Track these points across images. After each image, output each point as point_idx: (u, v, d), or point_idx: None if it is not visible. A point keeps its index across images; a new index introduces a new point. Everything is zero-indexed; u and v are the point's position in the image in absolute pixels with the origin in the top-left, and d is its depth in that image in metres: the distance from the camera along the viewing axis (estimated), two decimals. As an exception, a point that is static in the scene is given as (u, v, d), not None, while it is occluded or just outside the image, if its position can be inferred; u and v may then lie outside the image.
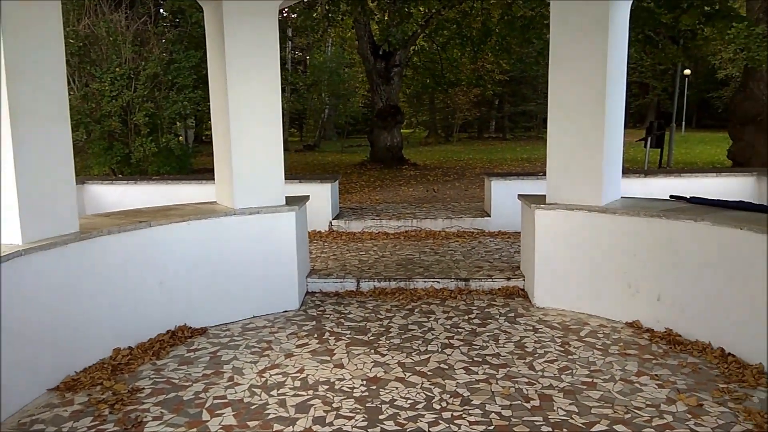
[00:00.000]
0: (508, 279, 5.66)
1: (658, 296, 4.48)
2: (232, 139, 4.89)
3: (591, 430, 3.09)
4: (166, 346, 4.28)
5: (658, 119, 13.83)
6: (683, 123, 34.44)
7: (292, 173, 14.30)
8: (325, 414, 3.29)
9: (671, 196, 5.43)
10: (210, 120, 5.24)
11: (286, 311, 5.11)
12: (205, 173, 10.21)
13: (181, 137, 16.72)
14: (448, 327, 4.65)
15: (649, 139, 13.28)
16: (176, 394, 3.56)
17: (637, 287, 4.62)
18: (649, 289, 4.54)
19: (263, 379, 3.75)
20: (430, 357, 4.07)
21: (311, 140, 30.99)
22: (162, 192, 8.26)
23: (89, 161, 11.69)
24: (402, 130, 20.40)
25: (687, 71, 27.03)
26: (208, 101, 5.28)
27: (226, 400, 3.48)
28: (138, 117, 11.15)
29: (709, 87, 35.22)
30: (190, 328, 4.59)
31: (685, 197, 5.15)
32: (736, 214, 4.23)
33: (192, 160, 14.44)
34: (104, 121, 11.03)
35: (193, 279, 4.64)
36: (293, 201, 5.29)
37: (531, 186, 7.36)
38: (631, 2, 5.03)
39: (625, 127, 5.44)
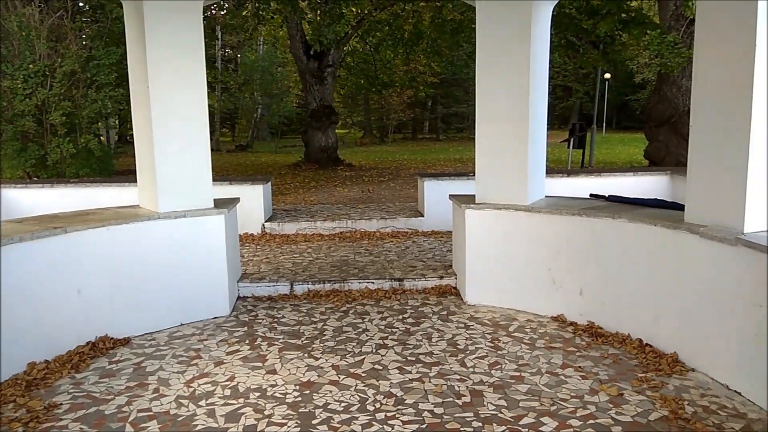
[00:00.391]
0: (441, 278, 5.74)
1: (580, 291, 4.67)
2: (155, 139, 4.70)
3: (519, 423, 3.18)
4: (86, 358, 4.06)
5: (580, 121, 14.42)
6: (604, 125, 36.15)
7: (223, 174, 13.95)
8: (256, 422, 3.21)
9: (591, 195, 5.68)
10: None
11: (216, 318, 4.96)
12: (129, 175, 9.76)
13: (102, 137, 15.96)
14: (383, 327, 4.66)
15: (572, 140, 13.84)
16: (97, 409, 3.38)
17: (561, 283, 4.80)
18: (572, 285, 4.73)
19: (191, 389, 3.62)
20: (364, 358, 4.06)
21: (244, 140, 30.32)
22: (81, 196, 7.84)
23: (1, 164, 10.94)
24: (337, 131, 20.31)
25: (607, 75, 28.40)
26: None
27: (151, 413, 3.33)
28: (54, 116, 10.54)
29: (627, 90, 37.15)
30: (112, 338, 4.37)
31: (604, 195, 5.40)
32: (651, 211, 4.48)
33: (114, 161, 13.82)
34: (17, 121, 10.36)
35: (114, 287, 4.42)
36: (222, 203, 5.15)
37: (462, 186, 7.49)
38: (552, 6, 5.22)
39: (549, 129, 5.67)
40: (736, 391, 3.45)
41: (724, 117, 3.57)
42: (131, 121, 5.07)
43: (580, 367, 3.88)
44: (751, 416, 3.19)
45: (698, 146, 3.81)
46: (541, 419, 3.21)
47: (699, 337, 3.74)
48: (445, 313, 5.02)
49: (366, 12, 15.98)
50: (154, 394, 3.55)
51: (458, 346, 4.26)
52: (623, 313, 4.36)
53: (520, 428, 3.13)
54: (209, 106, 5.29)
